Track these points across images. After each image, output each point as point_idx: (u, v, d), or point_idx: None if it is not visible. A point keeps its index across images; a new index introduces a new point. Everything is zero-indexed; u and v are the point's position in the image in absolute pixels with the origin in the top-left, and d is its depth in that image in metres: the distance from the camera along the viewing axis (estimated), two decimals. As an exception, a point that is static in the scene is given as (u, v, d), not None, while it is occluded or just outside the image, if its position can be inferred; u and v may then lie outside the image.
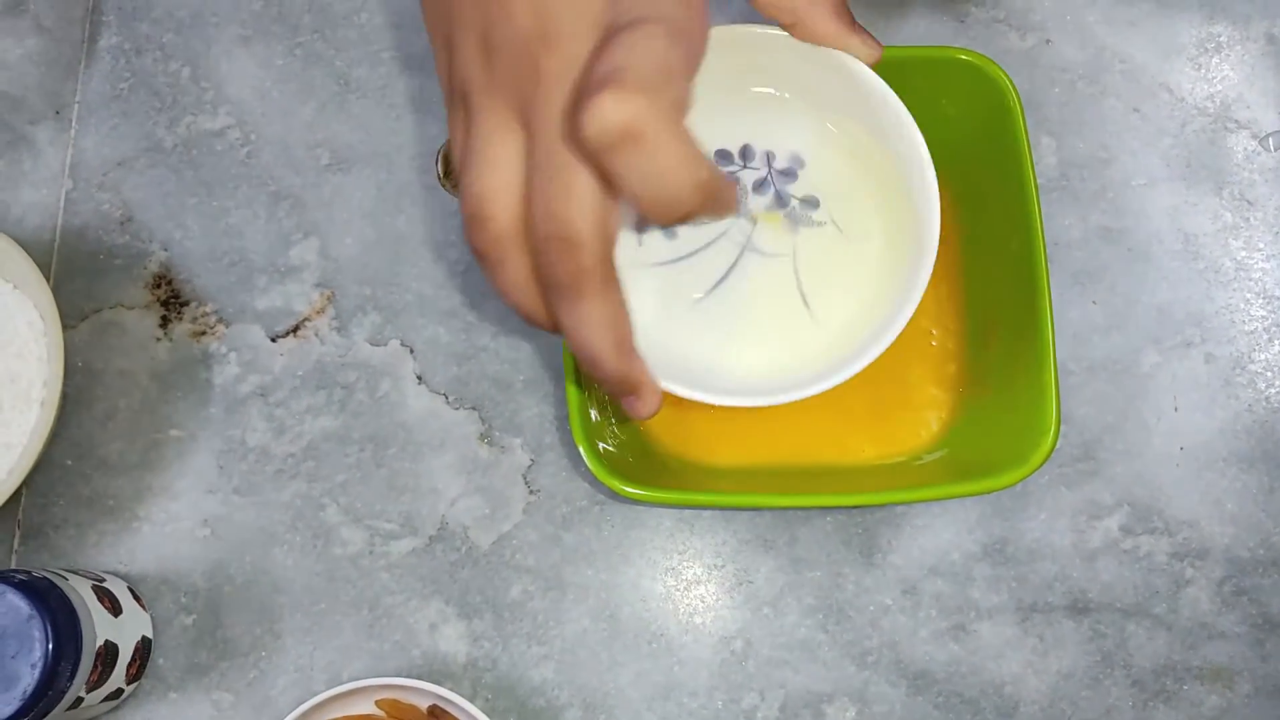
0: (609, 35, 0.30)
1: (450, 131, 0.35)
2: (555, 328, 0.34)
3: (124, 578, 0.51)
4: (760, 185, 0.45)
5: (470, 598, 0.51)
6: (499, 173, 0.32)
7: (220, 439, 0.53)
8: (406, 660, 0.51)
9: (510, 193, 0.32)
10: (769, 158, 0.45)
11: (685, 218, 0.31)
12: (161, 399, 0.53)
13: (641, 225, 0.44)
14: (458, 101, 0.34)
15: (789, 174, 0.45)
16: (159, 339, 0.53)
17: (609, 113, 0.29)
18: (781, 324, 0.44)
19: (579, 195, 0.31)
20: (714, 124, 0.43)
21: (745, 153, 0.45)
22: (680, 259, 0.45)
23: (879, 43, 0.41)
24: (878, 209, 0.44)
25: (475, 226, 0.33)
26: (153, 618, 0.51)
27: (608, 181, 0.31)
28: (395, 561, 0.52)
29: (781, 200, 0.45)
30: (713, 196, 0.31)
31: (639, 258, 0.44)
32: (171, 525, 0.52)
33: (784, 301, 0.44)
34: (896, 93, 0.41)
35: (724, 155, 0.45)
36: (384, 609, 0.51)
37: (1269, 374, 0.53)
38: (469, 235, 0.34)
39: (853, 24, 0.41)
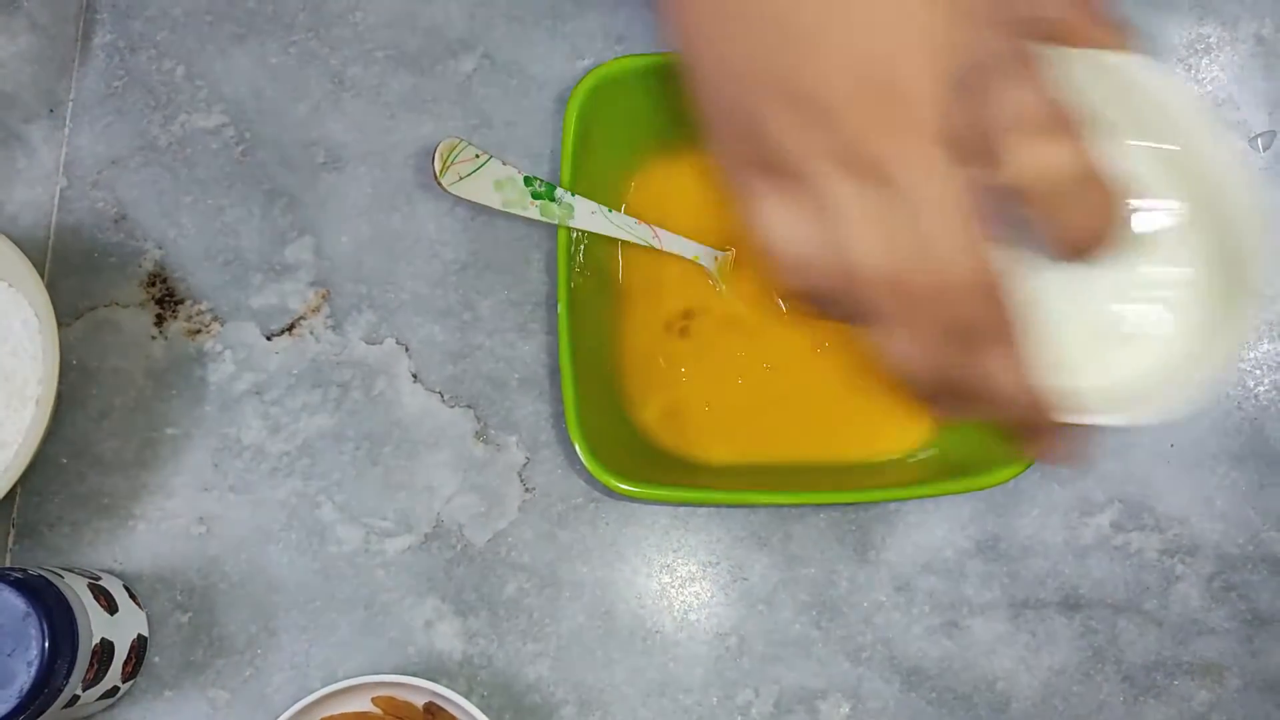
0: (983, 80, 0.30)
1: (753, 207, 0.33)
2: (954, 383, 0.34)
3: (120, 575, 0.51)
4: None
5: (466, 595, 0.51)
6: (880, 230, 0.31)
7: (215, 437, 0.53)
8: (402, 657, 0.51)
9: (896, 248, 0.31)
10: None
11: (1109, 250, 0.31)
12: (156, 397, 0.53)
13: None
14: (756, 175, 0.33)
15: None
16: (154, 337, 0.53)
17: (1049, 157, 0.29)
18: (1097, 345, 0.43)
19: (987, 242, 0.30)
20: None
21: None
22: None
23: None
24: (1188, 223, 0.41)
25: (883, 290, 0.32)
26: (148, 615, 0.51)
27: (1044, 223, 0.31)
28: (391, 559, 0.52)
29: None
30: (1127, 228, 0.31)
31: None
32: (167, 523, 0.52)
33: (1097, 321, 0.43)
34: None
35: None
36: (380, 606, 0.51)
37: (1258, 372, 0.54)
38: (876, 299, 0.32)
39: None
